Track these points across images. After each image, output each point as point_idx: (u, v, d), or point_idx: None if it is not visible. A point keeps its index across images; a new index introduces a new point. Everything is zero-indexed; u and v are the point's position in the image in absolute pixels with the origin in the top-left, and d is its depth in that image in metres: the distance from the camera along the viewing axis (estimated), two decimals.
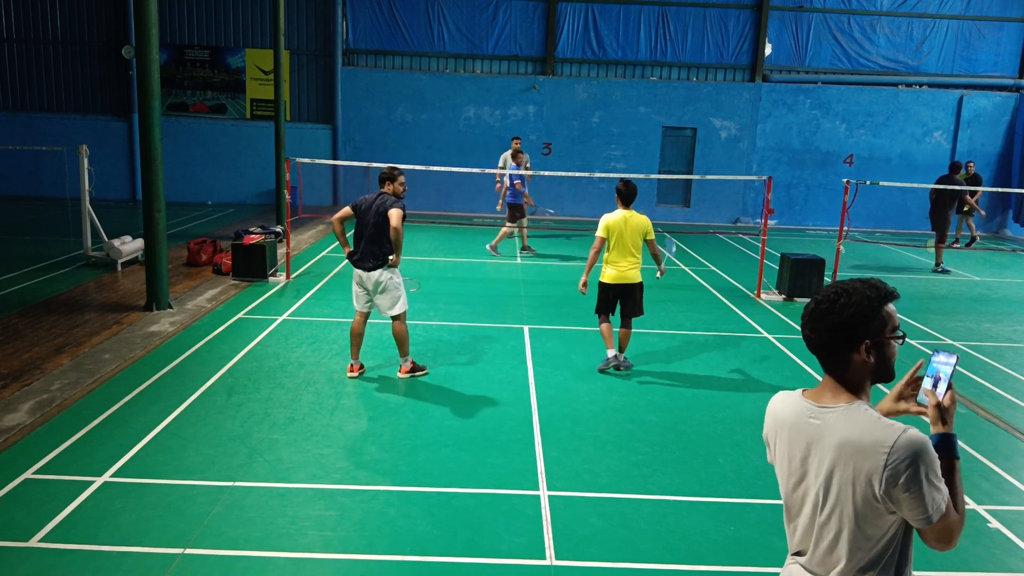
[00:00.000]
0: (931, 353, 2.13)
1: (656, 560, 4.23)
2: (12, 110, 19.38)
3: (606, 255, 7.18)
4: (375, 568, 4.09)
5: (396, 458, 5.38)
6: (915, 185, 15.24)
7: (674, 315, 9.69)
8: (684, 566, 4.20)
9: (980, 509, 4.96)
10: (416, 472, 5.18)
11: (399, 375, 7.02)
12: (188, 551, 4.13)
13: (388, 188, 6.79)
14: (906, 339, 2.00)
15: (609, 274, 7.18)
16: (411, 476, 5.12)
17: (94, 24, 19.17)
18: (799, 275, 10.58)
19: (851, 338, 2.03)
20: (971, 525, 4.76)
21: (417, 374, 7.06)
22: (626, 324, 7.32)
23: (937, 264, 13.80)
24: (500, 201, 14.35)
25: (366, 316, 6.99)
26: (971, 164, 16.41)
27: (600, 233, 7.15)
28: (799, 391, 2.20)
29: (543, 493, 4.94)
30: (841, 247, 11.08)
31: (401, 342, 6.94)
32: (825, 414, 2.06)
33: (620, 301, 7.28)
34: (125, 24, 19.02)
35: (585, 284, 7.26)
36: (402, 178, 6.86)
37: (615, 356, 7.29)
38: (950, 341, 8.99)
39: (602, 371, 7.33)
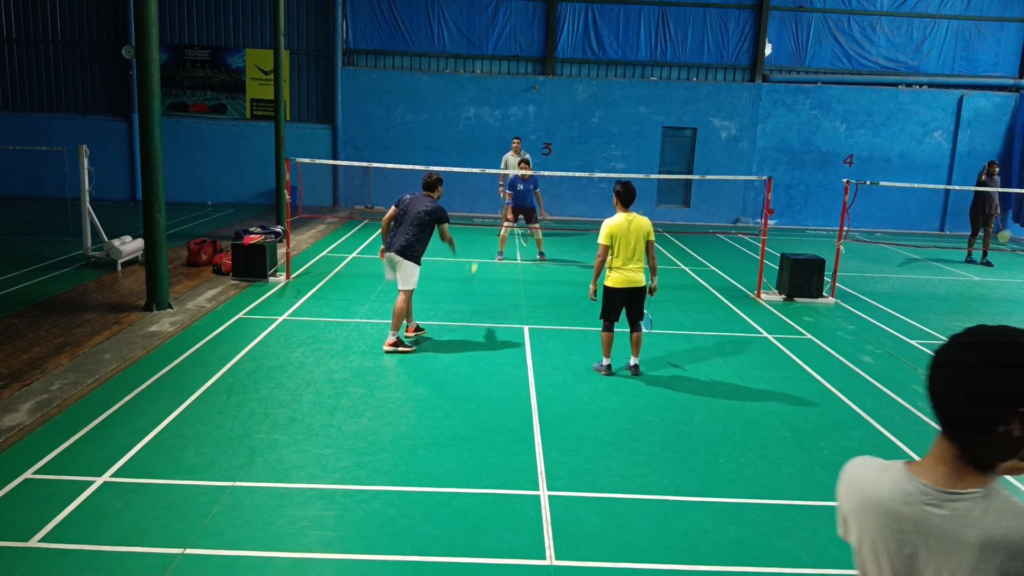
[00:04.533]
0: None
1: (656, 560, 4.23)
2: (12, 110, 19.38)
3: (611, 260, 7.06)
4: (375, 568, 4.09)
5: (396, 458, 5.38)
6: (915, 185, 15.23)
7: (674, 315, 9.69)
8: (684, 566, 4.20)
9: None
10: (416, 472, 5.18)
11: (384, 348, 7.68)
12: (188, 551, 4.13)
13: (432, 194, 7.91)
14: None
15: (615, 278, 7.05)
16: (411, 476, 5.12)
17: (94, 24, 19.18)
18: (799, 275, 10.58)
19: (1006, 403, 1.56)
20: None
21: (400, 349, 7.66)
22: (636, 328, 7.26)
23: (985, 255, 14.73)
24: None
25: None
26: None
27: (603, 241, 7.01)
28: (900, 464, 1.72)
29: (543, 493, 4.94)
30: (841, 247, 11.08)
31: (397, 315, 7.64)
32: (953, 502, 1.60)
33: (627, 306, 7.18)
34: (125, 24, 19.02)
35: (595, 292, 7.18)
36: (441, 187, 8.06)
37: (609, 366, 7.27)
38: None
39: (596, 371, 7.36)
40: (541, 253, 13.51)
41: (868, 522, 1.73)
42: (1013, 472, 1.71)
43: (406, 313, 7.91)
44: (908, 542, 1.65)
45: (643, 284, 7.10)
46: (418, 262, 7.72)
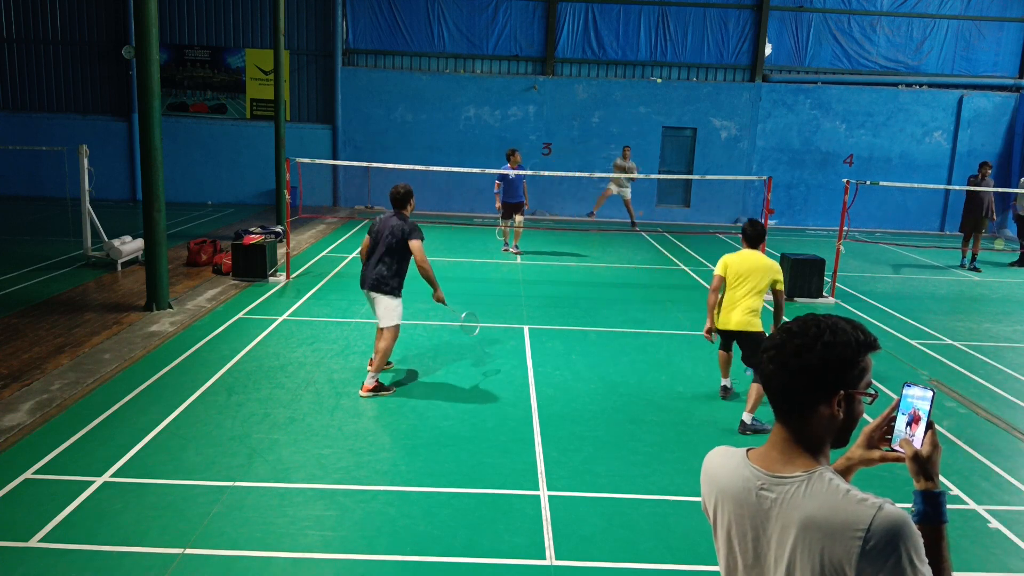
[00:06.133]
0: (903, 386, 1.77)
1: (656, 560, 4.23)
2: (12, 110, 19.38)
3: (725, 297, 6.40)
4: (375, 568, 4.09)
5: (396, 458, 5.38)
6: (915, 185, 15.23)
7: (674, 315, 9.69)
8: (684, 566, 4.20)
9: (980, 509, 4.96)
10: (416, 472, 5.18)
11: (360, 392, 6.54)
12: (188, 551, 4.13)
13: (404, 210, 6.74)
14: (876, 399, 1.68)
15: (722, 319, 6.38)
16: (411, 476, 5.12)
17: (94, 24, 19.17)
18: (799, 275, 10.59)
19: (825, 385, 1.66)
20: (971, 525, 4.77)
21: (381, 394, 6.56)
22: (754, 375, 6.24)
23: (974, 258, 14.25)
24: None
25: None
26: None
27: (717, 270, 6.44)
28: (743, 451, 1.83)
29: (543, 493, 4.94)
30: (841, 247, 11.08)
31: (381, 355, 6.62)
32: (780, 485, 1.68)
33: (739, 346, 6.48)
34: (125, 24, 19.02)
35: (710, 331, 6.48)
36: (414, 200, 6.87)
37: (730, 387, 6.78)
38: (950, 341, 9.00)
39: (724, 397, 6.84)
40: (515, 245, 13.82)
41: (720, 508, 1.81)
42: (865, 464, 1.80)
43: (388, 354, 6.80)
44: (751, 526, 1.72)
45: (755, 330, 6.24)
46: (397, 295, 6.62)
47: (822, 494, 1.61)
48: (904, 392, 1.74)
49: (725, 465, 1.83)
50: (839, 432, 1.71)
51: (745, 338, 6.33)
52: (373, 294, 6.60)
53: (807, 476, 1.65)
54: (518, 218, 13.59)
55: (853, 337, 1.67)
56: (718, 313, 6.45)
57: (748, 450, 1.81)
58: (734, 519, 1.76)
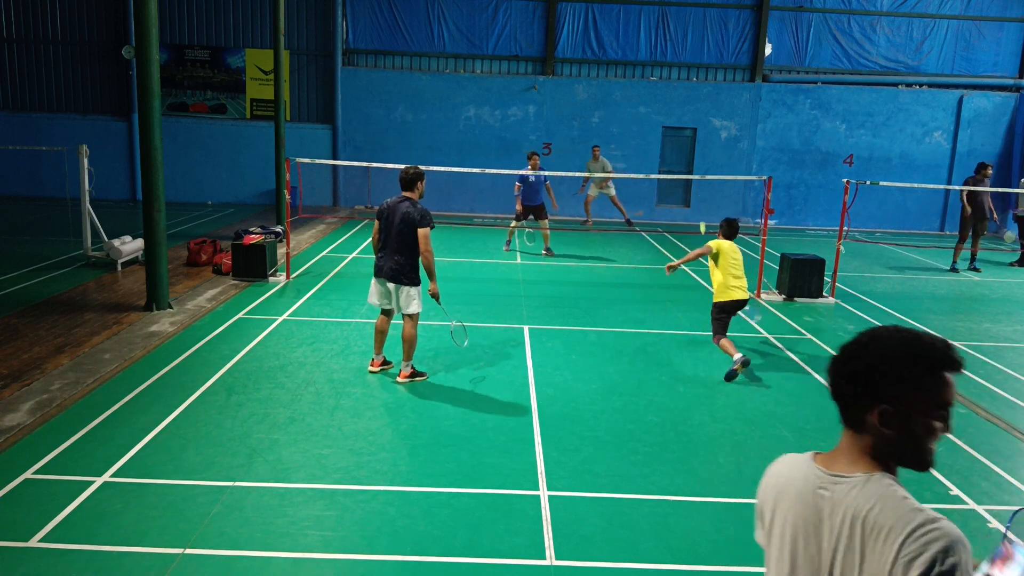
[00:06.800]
0: (1004, 528, 1.69)
1: (656, 560, 4.23)
2: (12, 110, 19.37)
3: (725, 277, 7.43)
4: (375, 568, 4.09)
5: (396, 458, 5.38)
6: (915, 185, 15.23)
7: (674, 315, 9.69)
8: (684, 566, 4.20)
9: (980, 509, 4.96)
10: (416, 472, 5.18)
11: (398, 379, 6.89)
12: (188, 551, 4.13)
13: (412, 194, 6.76)
14: (949, 430, 1.61)
15: (736, 292, 7.42)
16: (411, 476, 5.12)
17: (94, 24, 19.17)
18: (799, 275, 10.58)
19: (864, 395, 1.64)
20: (971, 525, 4.76)
21: (416, 379, 6.92)
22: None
23: (973, 259, 13.99)
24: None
25: (388, 314, 7.04)
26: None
27: (712, 246, 7.47)
28: (809, 454, 1.79)
29: (543, 493, 4.94)
30: (841, 247, 11.08)
31: (408, 343, 6.83)
32: (837, 484, 1.65)
33: (740, 310, 7.67)
34: (125, 24, 19.02)
35: (671, 269, 7.70)
36: (423, 183, 6.87)
37: (742, 357, 7.15)
38: (950, 341, 8.97)
39: (730, 378, 7.21)
40: (548, 249, 13.86)
41: (777, 510, 1.78)
42: None
43: (392, 340, 7.22)
44: (804, 527, 1.70)
45: (747, 298, 7.54)
46: (417, 283, 6.76)
47: (877, 494, 1.58)
48: (1008, 540, 1.75)
49: (791, 465, 1.81)
50: (901, 452, 1.63)
51: (745, 303, 7.57)
52: (392, 285, 6.75)
53: (866, 477, 1.62)
54: (543, 221, 13.76)
55: (903, 350, 1.62)
56: (728, 291, 7.44)
57: (815, 454, 1.78)
58: (789, 519, 1.74)
